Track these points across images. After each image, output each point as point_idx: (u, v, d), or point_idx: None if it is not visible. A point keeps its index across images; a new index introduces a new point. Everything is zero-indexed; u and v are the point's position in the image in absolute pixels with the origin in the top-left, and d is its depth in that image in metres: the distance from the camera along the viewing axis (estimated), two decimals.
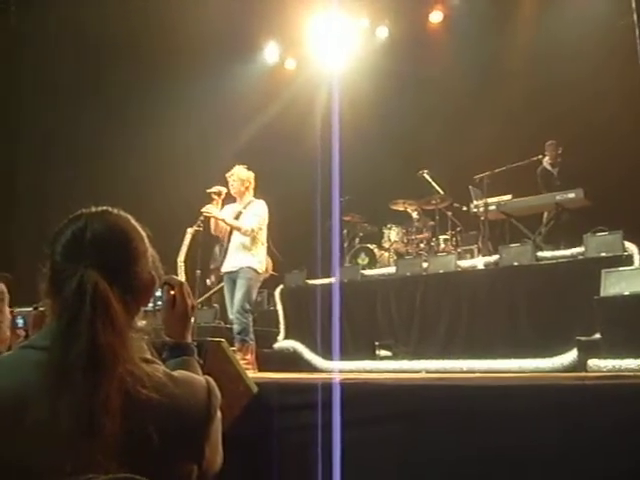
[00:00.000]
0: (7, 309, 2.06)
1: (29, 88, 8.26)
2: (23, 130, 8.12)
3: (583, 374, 4.58)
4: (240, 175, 6.05)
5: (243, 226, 5.87)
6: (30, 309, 1.90)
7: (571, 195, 7.10)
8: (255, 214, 5.94)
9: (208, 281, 8.75)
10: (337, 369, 6.15)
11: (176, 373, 1.33)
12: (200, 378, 1.39)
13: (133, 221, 1.42)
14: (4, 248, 6.98)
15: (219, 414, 1.36)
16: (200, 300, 7.74)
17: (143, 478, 1.13)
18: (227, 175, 6.10)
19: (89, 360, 1.18)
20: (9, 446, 1.17)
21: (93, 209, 1.40)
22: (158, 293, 1.55)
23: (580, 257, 6.03)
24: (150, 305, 1.52)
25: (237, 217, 5.99)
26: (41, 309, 1.80)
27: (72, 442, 1.13)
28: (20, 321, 1.99)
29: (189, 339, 1.62)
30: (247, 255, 5.89)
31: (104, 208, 1.41)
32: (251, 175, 6.11)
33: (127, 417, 1.18)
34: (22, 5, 8.01)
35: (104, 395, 1.16)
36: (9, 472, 1.16)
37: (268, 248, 6.35)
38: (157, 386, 1.25)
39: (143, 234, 1.42)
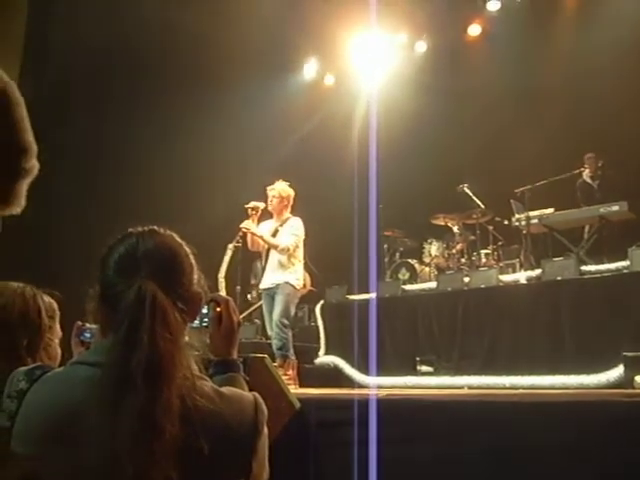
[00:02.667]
0: (58, 327, 2.11)
1: (72, 103, 8.42)
2: (68, 151, 8.29)
3: (631, 391, 4.49)
4: (281, 192, 6.06)
5: (280, 244, 5.90)
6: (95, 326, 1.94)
7: (615, 208, 6.98)
8: (292, 233, 5.96)
9: (249, 296, 8.80)
10: (378, 385, 6.13)
11: (224, 389, 1.35)
12: (247, 394, 1.40)
13: (178, 238, 1.46)
14: (52, 268, 7.10)
15: (266, 430, 1.37)
16: (242, 316, 7.79)
17: None
18: (268, 188, 6.11)
19: (150, 366, 1.21)
20: (64, 457, 1.21)
21: (140, 228, 1.43)
22: (204, 310, 1.58)
23: (625, 271, 5.92)
24: (196, 322, 1.54)
25: (274, 234, 6.02)
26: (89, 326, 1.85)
27: (134, 446, 1.15)
28: (87, 334, 2.03)
29: (235, 355, 1.64)
30: (285, 272, 5.92)
31: (152, 227, 1.44)
32: (292, 193, 6.12)
33: (183, 423, 1.21)
34: (68, 21, 8.20)
35: (166, 399, 1.20)
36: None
37: (305, 264, 6.37)
38: (207, 400, 1.27)
39: (189, 251, 1.45)
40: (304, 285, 6.42)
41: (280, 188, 6.08)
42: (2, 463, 1.22)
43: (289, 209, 6.13)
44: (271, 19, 8.93)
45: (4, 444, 1.26)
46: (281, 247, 5.88)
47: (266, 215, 6.21)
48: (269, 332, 6.04)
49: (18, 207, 0.89)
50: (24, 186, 0.89)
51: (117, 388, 1.19)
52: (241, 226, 5.99)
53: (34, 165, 0.88)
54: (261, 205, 6.05)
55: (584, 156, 7.99)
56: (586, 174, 7.98)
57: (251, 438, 1.33)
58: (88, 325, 2.00)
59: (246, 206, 6.03)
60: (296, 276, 5.95)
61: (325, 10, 8.89)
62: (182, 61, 9.01)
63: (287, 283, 5.89)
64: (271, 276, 5.99)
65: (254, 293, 8.64)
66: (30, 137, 0.86)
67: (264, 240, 5.95)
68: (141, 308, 1.25)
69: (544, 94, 8.79)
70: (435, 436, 3.08)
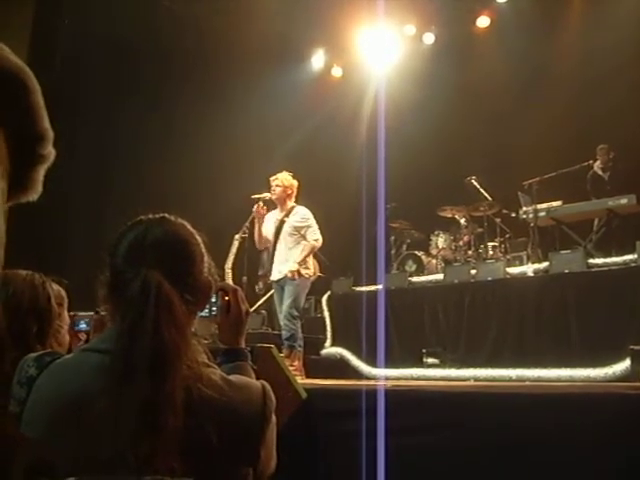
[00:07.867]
0: (66, 314, 2.12)
1: (85, 100, 8.44)
2: (79, 139, 8.30)
3: (637, 384, 4.48)
4: (284, 180, 6.09)
5: (313, 244, 5.97)
6: (92, 313, 1.94)
7: (623, 201, 6.94)
8: (306, 225, 5.99)
9: (257, 288, 8.81)
10: (384, 376, 6.14)
11: (232, 377, 1.35)
12: (256, 382, 1.40)
13: (190, 227, 1.45)
14: (60, 256, 7.13)
15: (274, 418, 1.37)
16: (253, 309, 7.80)
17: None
18: (271, 179, 6.14)
19: (154, 357, 1.20)
20: (74, 444, 1.21)
21: (151, 216, 1.43)
22: (212, 299, 1.58)
23: (633, 264, 5.90)
24: (206, 311, 1.54)
25: (279, 226, 6.05)
26: (102, 313, 1.85)
27: (136, 437, 1.15)
28: (83, 325, 2.03)
29: (243, 344, 1.64)
30: (293, 262, 5.94)
31: (162, 215, 1.43)
32: (295, 183, 6.14)
33: (188, 414, 1.20)
34: (75, 16, 8.21)
35: (169, 391, 1.19)
36: (76, 468, 1.20)
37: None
38: (215, 389, 1.27)
39: (199, 240, 1.44)
40: (313, 272, 6.43)
41: (283, 177, 6.11)
42: (12, 448, 1.22)
43: (293, 199, 6.15)
44: (279, 11, 8.91)
45: (14, 430, 1.27)
46: (312, 245, 5.96)
47: (270, 206, 6.24)
48: (281, 323, 6.06)
49: (35, 194, 0.91)
50: (41, 172, 0.90)
51: (122, 377, 1.19)
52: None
53: (51, 152, 0.90)
54: (266, 195, 6.08)
55: (596, 148, 7.93)
56: (597, 165, 7.92)
57: (259, 426, 1.32)
58: (82, 314, 2.00)
59: (253, 197, 6.08)
60: (304, 265, 5.97)
61: (333, 1, 8.86)
62: (191, 52, 9.04)
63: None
64: (281, 266, 6.00)
65: (261, 284, 8.64)
66: (46, 124, 0.88)
67: (302, 261, 5.97)
68: (146, 298, 1.25)
69: (553, 86, 8.75)
70: (441, 428, 3.08)
